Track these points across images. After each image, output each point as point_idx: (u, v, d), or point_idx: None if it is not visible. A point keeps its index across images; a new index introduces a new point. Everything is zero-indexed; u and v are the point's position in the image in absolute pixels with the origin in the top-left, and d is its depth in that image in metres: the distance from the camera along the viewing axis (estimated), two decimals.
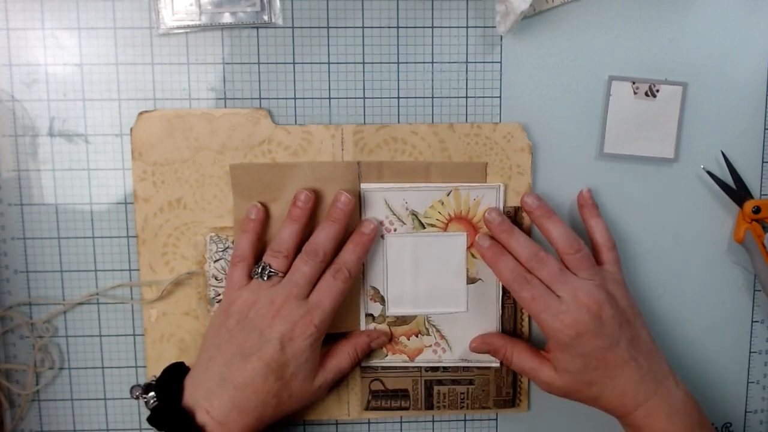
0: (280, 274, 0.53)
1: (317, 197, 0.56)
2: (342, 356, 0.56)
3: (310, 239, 0.54)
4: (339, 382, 0.58)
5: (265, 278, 0.53)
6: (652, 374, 0.53)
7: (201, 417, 0.50)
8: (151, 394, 0.52)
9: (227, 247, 0.57)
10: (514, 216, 0.58)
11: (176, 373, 0.53)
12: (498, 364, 0.59)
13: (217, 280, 0.57)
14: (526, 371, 0.56)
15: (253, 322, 0.52)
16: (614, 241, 0.57)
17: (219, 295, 0.57)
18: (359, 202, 0.56)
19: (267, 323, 0.52)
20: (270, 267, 0.53)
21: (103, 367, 0.59)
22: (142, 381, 0.59)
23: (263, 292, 0.53)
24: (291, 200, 0.55)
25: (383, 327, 0.58)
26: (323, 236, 0.54)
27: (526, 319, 0.59)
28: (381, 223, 0.57)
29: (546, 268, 0.53)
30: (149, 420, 0.51)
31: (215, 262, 0.57)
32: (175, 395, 0.52)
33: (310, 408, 0.59)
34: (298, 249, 0.54)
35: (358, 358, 0.57)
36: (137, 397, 0.52)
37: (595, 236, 0.57)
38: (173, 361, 0.56)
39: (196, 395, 0.51)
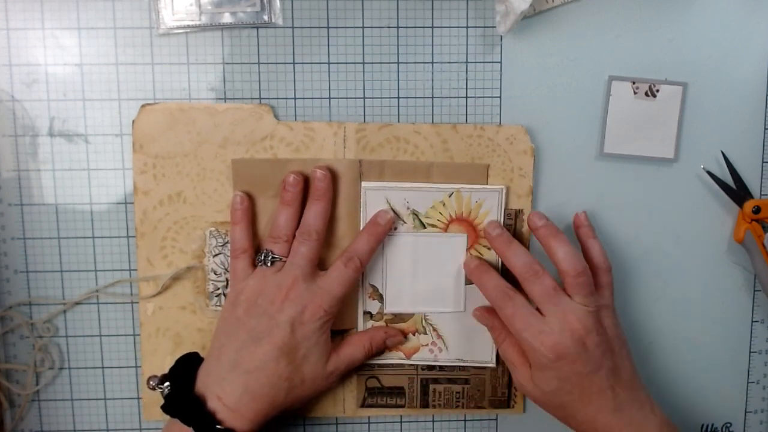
0: (284, 259, 0.54)
1: (307, 180, 0.56)
2: (357, 347, 0.56)
3: (301, 222, 0.54)
4: (345, 377, 0.58)
5: (269, 264, 0.54)
6: (629, 404, 0.52)
7: (212, 403, 0.51)
8: (166, 384, 0.52)
9: (227, 242, 0.57)
10: (515, 219, 0.58)
11: (190, 363, 0.54)
12: (494, 365, 0.59)
13: (216, 274, 0.57)
14: (507, 363, 0.56)
15: (262, 308, 0.53)
16: (610, 265, 0.56)
17: (218, 289, 0.57)
18: (360, 200, 0.56)
19: (276, 308, 0.52)
20: (273, 253, 0.54)
21: (103, 367, 0.59)
22: (142, 381, 0.59)
23: (269, 278, 0.53)
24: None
25: (381, 325, 0.58)
26: (311, 216, 0.54)
27: None
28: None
29: (540, 283, 0.52)
30: (163, 408, 0.51)
31: (215, 256, 0.57)
32: (188, 383, 0.52)
33: (309, 403, 0.59)
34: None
35: (372, 352, 0.57)
36: (153, 388, 0.53)
37: (593, 258, 0.56)
38: (169, 355, 0.57)
39: (208, 382, 0.52)
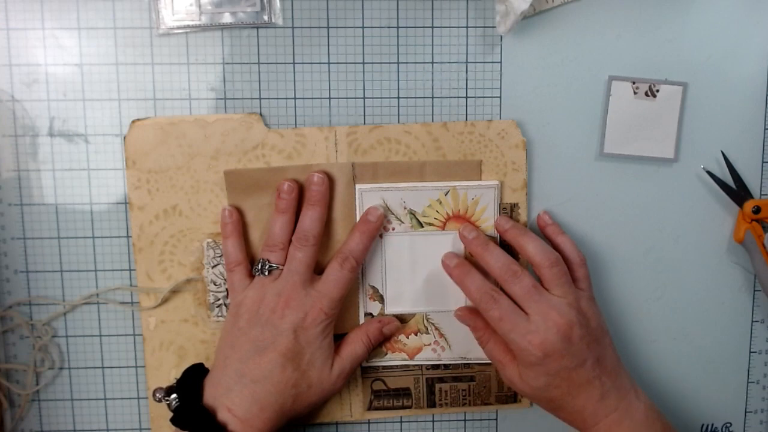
0: (281, 267, 0.54)
1: (301, 187, 0.56)
2: (356, 343, 0.56)
3: (297, 227, 0.54)
4: (350, 380, 0.58)
5: (267, 273, 0.54)
6: (615, 391, 0.53)
7: (222, 414, 0.51)
8: (173, 396, 0.52)
9: None
10: (510, 212, 0.58)
11: (196, 374, 0.54)
12: None
13: (215, 285, 0.57)
14: (494, 362, 0.56)
15: (263, 317, 0.52)
16: (584, 257, 0.56)
17: (218, 300, 0.57)
18: (355, 203, 0.56)
19: (278, 315, 0.52)
20: (269, 262, 0.54)
21: (103, 367, 0.59)
22: (142, 381, 0.59)
23: (268, 287, 0.53)
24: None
25: None
26: (308, 221, 0.54)
27: None
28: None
29: (519, 283, 0.53)
30: (172, 421, 0.51)
31: (213, 267, 0.57)
32: (196, 395, 0.52)
33: (316, 408, 0.59)
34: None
35: (371, 345, 0.57)
36: (160, 400, 0.53)
37: (565, 253, 0.56)
38: (173, 368, 0.57)
39: (216, 394, 0.52)
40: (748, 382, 0.62)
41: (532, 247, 0.54)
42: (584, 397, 0.52)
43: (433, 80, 0.57)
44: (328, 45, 0.56)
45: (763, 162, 0.60)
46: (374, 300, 0.58)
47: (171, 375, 0.57)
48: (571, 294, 0.53)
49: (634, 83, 0.58)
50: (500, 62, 0.57)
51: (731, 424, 0.62)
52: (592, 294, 0.56)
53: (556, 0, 0.57)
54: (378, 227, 0.56)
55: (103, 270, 0.58)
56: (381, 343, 0.58)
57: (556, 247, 0.57)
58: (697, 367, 0.61)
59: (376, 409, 0.59)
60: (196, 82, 0.56)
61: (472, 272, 0.55)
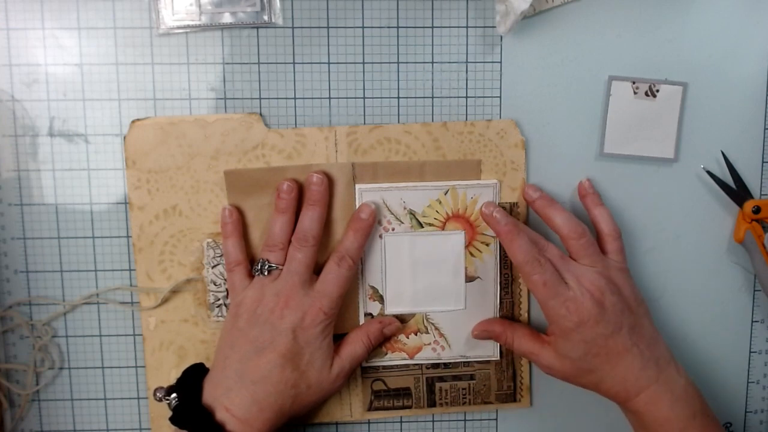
0: (280, 267, 0.54)
1: (301, 187, 0.56)
2: (356, 344, 0.56)
3: (297, 228, 0.54)
4: (350, 380, 0.58)
5: (266, 273, 0.54)
6: (654, 361, 0.53)
7: (220, 414, 0.51)
8: (173, 395, 0.52)
9: None
10: (509, 212, 0.58)
11: (196, 374, 0.54)
12: (498, 358, 0.59)
13: (215, 285, 0.57)
14: (526, 355, 0.56)
15: (263, 317, 0.53)
16: (620, 230, 0.56)
17: (218, 300, 0.57)
18: (355, 203, 0.56)
19: (277, 315, 0.52)
20: (269, 262, 0.54)
21: (103, 367, 0.59)
22: (142, 381, 0.59)
23: (267, 287, 0.53)
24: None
25: None
26: (307, 221, 0.54)
27: (525, 315, 0.59)
28: (379, 222, 0.57)
29: (547, 253, 0.54)
30: (171, 420, 0.51)
31: (213, 267, 0.57)
32: (195, 394, 0.52)
33: (316, 408, 0.59)
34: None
35: (372, 345, 0.57)
36: (160, 399, 0.53)
37: (601, 225, 0.57)
38: (173, 368, 0.57)
39: (215, 394, 0.52)
40: (748, 382, 0.62)
41: (559, 219, 0.54)
42: (624, 366, 0.53)
43: (433, 80, 0.57)
44: (328, 45, 0.56)
45: (763, 162, 0.60)
46: (374, 300, 0.58)
47: (171, 375, 0.57)
48: (600, 263, 0.54)
49: (634, 83, 0.58)
50: (500, 62, 0.57)
51: (731, 424, 0.62)
52: (625, 266, 0.56)
53: (556, 0, 0.57)
54: (371, 224, 0.56)
55: (103, 270, 0.58)
56: (381, 343, 0.58)
57: (592, 218, 0.57)
58: (697, 367, 0.61)
59: (376, 409, 0.59)
60: (196, 82, 0.56)
61: (521, 235, 0.54)
